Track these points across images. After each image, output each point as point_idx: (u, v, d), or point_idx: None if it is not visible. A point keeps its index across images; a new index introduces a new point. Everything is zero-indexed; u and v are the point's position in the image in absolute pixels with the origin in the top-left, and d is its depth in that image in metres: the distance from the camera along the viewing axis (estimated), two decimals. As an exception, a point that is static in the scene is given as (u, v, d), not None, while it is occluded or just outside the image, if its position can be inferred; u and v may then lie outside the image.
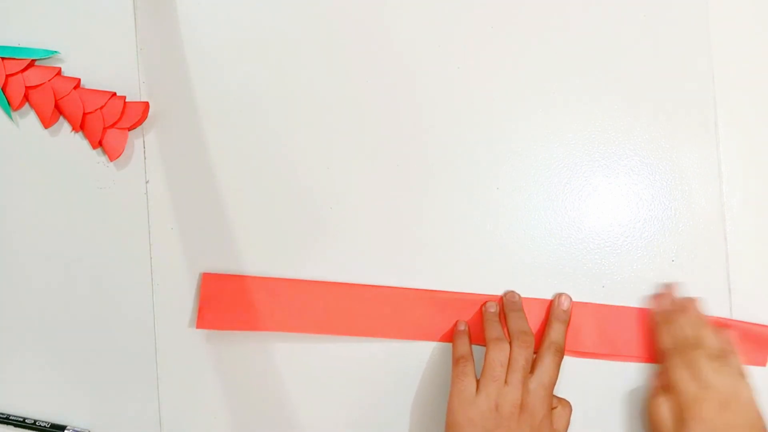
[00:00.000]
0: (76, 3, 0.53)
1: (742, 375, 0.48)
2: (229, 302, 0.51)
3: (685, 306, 0.50)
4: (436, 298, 0.51)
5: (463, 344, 0.49)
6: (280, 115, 0.52)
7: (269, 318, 0.51)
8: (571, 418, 0.48)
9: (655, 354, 0.51)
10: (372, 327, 0.51)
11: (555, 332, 0.49)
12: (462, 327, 0.50)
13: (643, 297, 0.51)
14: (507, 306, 0.50)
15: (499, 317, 0.50)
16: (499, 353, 0.47)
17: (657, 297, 0.51)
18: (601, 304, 0.51)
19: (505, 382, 0.46)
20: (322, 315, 0.51)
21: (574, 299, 0.51)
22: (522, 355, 0.47)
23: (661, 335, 0.50)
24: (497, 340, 0.48)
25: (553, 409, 0.48)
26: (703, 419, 0.45)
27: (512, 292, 0.51)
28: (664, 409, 0.47)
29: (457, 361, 0.48)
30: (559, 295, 0.51)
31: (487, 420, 0.46)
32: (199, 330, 0.52)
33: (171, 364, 0.52)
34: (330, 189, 0.52)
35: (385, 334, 0.51)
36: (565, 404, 0.48)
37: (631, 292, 0.51)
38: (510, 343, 0.48)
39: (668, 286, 0.51)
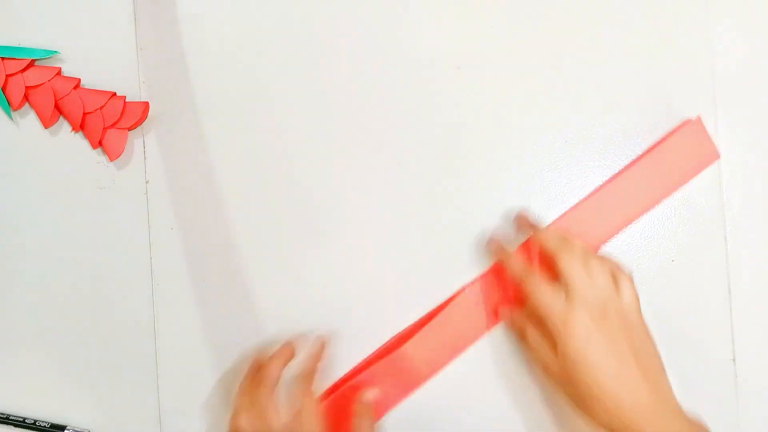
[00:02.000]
0: (76, 3, 0.53)
1: (617, 273, 0.45)
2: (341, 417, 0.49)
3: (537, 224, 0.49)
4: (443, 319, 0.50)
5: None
6: (280, 114, 0.52)
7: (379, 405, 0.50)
8: None
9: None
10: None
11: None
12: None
13: (642, 298, 0.51)
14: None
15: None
16: None
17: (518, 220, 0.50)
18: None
19: None
20: (412, 372, 0.50)
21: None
22: None
23: (543, 238, 0.47)
24: None
25: None
26: (577, 336, 0.43)
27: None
28: (535, 337, 0.46)
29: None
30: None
31: None
32: (200, 330, 0.52)
33: (171, 364, 0.52)
34: (330, 189, 0.52)
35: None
36: None
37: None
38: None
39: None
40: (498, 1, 0.52)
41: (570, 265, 0.45)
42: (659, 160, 0.51)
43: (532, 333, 0.47)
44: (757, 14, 0.52)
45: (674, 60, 0.52)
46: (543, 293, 0.45)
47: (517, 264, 0.48)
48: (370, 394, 0.49)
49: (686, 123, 0.51)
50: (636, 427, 0.41)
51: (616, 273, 0.45)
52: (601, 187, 0.51)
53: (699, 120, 0.51)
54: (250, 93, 0.52)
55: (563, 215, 0.51)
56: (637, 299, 0.45)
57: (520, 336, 0.49)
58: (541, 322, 0.45)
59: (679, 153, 0.51)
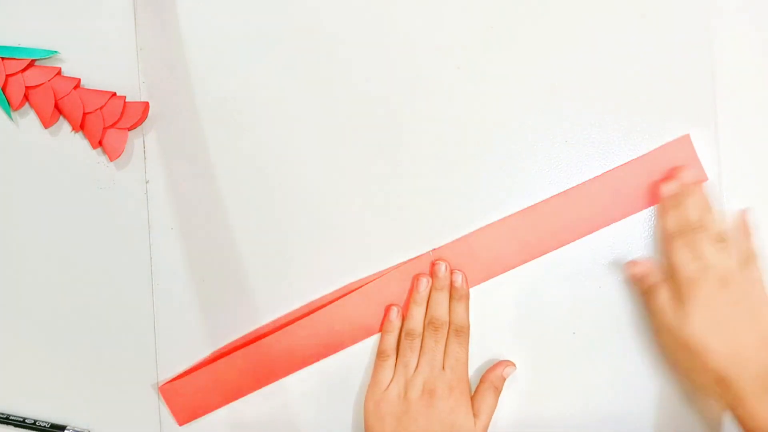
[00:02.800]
0: (76, 3, 0.53)
1: (748, 260, 0.48)
2: (195, 397, 0.51)
3: (692, 190, 0.49)
4: (363, 293, 0.51)
5: (388, 339, 0.50)
6: (279, 114, 0.52)
7: (234, 390, 0.51)
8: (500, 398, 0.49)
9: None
10: (323, 350, 0.51)
11: (453, 314, 0.50)
12: (393, 316, 0.50)
13: (641, 298, 0.51)
14: (433, 281, 0.50)
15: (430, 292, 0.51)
16: (411, 341, 0.49)
17: (665, 181, 0.50)
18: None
19: (416, 368, 0.48)
20: (273, 364, 0.51)
21: (572, 301, 0.51)
22: (432, 339, 0.48)
23: (666, 219, 0.49)
24: (411, 329, 0.49)
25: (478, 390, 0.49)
26: (700, 298, 0.45)
27: (439, 263, 0.50)
28: (663, 294, 0.47)
29: (378, 355, 0.50)
30: (452, 271, 0.50)
31: (394, 407, 0.47)
32: (200, 330, 0.52)
33: (171, 364, 0.52)
34: (329, 188, 0.52)
35: (338, 348, 0.51)
36: (491, 386, 0.49)
37: (629, 292, 0.51)
38: (424, 328, 0.49)
39: (676, 169, 0.50)
40: (498, 1, 0.52)
41: (702, 240, 0.47)
42: (641, 171, 0.51)
43: (663, 294, 0.47)
44: (757, 14, 0.52)
45: (674, 59, 0.52)
46: (682, 255, 0.47)
47: (671, 222, 0.49)
48: (509, 370, 0.50)
49: (677, 140, 0.51)
50: (744, 402, 0.43)
51: (746, 253, 0.48)
52: (578, 186, 0.51)
53: (687, 138, 0.51)
54: (250, 93, 0.52)
55: (530, 207, 0.51)
56: (761, 278, 0.48)
57: (646, 294, 0.49)
58: (675, 282, 0.47)
59: (663, 168, 0.51)
